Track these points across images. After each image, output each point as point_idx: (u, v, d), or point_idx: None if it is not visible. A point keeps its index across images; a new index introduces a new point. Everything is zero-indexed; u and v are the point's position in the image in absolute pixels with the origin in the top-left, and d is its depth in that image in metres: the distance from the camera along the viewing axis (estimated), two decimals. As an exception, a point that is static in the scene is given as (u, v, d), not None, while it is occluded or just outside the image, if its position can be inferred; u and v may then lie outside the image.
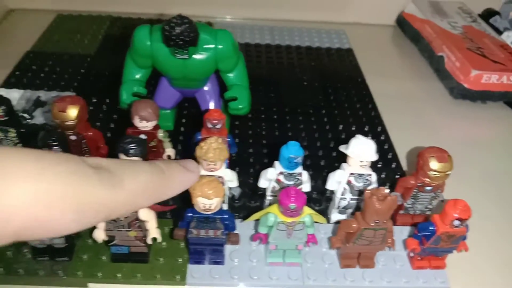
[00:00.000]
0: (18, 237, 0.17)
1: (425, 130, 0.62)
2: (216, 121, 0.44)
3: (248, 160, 0.53)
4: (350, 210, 0.45)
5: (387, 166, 0.54)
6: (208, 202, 0.36)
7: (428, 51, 0.76)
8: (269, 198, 0.44)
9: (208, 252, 0.41)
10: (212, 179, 0.36)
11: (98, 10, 0.79)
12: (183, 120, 0.58)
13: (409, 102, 0.68)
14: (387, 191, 0.37)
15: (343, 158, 0.54)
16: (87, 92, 0.59)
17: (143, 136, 0.45)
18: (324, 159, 0.53)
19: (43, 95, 0.55)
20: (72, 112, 0.42)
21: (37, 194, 0.17)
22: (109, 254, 0.41)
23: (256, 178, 0.50)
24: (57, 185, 0.18)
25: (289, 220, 0.38)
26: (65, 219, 0.18)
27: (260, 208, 0.47)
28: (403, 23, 0.84)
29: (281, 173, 0.42)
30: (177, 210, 0.44)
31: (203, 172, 0.41)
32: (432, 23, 0.77)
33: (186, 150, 0.52)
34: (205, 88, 0.53)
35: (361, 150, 0.42)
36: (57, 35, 0.72)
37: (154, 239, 0.39)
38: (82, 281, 0.40)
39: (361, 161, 0.42)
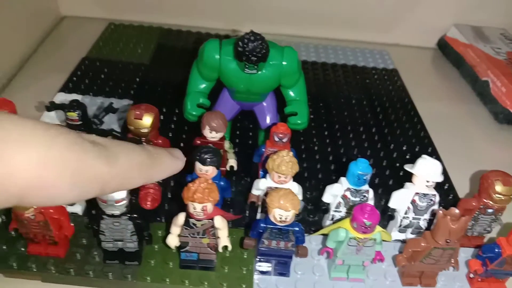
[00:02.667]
0: (20, 199, 0.18)
1: (471, 153, 0.63)
2: (283, 135, 0.45)
3: (302, 175, 0.54)
4: (410, 230, 0.46)
5: (439, 187, 0.54)
6: (284, 213, 0.37)
7: (471, 75, 0.77)
8: (332, 213, 0.45)
9: (275, 263, 0.42)
10: (289, 191, 0.37)
11: (149, 21, 0.81)
12: (237, 132, 0.59)
13: (454, 125, 0.68)
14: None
15: (396, 176, 0.55)
16: (143, 100, 0.60)
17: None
18: (377, 177, 0.54)
19: (115, 102, 0.56)
20: (147, 120, 0.43)
21: (40, 159, 0.18)
22: (177, 260, 0.42)
23: (311, 192, 0.51)
24: (59, 152, 0.19)
25: (361, 236, 0.39)
26: (64, 186, 0.19)
27: (318, 222, 0.48)
28: (445, 46, 0.85)
29: (348, 189, 0.43)
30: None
31: (272, 184, 0.43)
32: (475, 48, 0.78)
33: (244, 161, 0.53)
34: (264, 102, 0.54)
35: (428, 170, 0.43)
36: (111, 43, 0.74)
37: (225, 247, 0.40)
38: (150, 286, 0.41)
39: (427, 181, 0.43)
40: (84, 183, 0.20)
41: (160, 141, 0.46)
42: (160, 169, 0.27)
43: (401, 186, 0.51)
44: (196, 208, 0.37)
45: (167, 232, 0.40)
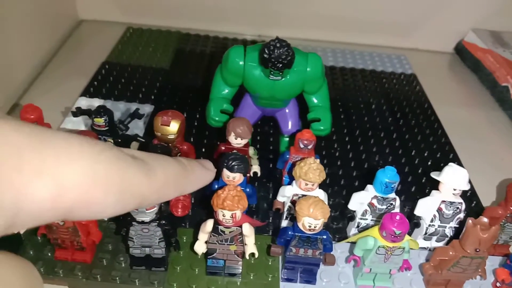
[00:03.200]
0: (66, 216, 0.18)
1: (492, 160, 0.62)
2: (308, 142, 0.45)
3: (325, 181, 0.53)
4: (435, 237, 0.46)
5: (463, 195, 0.54)
6: (314, 222, 0.37)
7: (490, 80, 0.76)
8: (358, 220, 0.45)
9: (301, 271, 0.42)
10: (318, 199, 0.37)
11: (166, 25, 0.82)
12: (258, 138, 0.59)
13: (474, 131, 0.68)
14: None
15: (418, 183, 0.54)
16: (164, 105, 0.60)
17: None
18: (400, 184, 0.54)
19: (136, 107, 0.56)
20: (174, 126, 0.44)
21: (88, 176, 0.18)
22: (203, 267, 0.42)
23: (334, 198, 0.51)
24: (105, 169, 0.19)
25: (390, 245, 0.38)
26: (108, 201, 0.19)
27: (342, 229, 0.48)
28: (462, 51, 0.84)
29: (375, 197, 0.43)
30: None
31: (299, 191, 0.43)
32: (494, 53, 0.77)
33: (265, 167, 0.53)
34: (287, 108, 0.54)
35: (455, 178, 0.42)
36: (130, 47, 0.74)
37: (252, 254, 0.40)
38: (177, 292, 0.41)
39: (454, 189, 0.43)
40: (126, 198, 0.20)
41: (185, 147, 0.46)
42: (193, 181, 0.27)
43: (423, 192, 0.51)
44: (225, 215, 0.37)
45: (193, 238, 0.40)
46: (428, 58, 0.85)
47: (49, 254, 0.42)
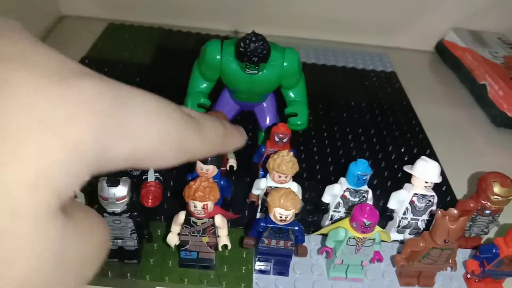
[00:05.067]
0: (134, 164, 0.19)
1: (469, 156, 0.63)
2: (283, 135, 0.46)
3: (302, 175, 0.54)
4: (408, 230, 0.46)
5: (437, 189, 0.55)
6: (285, 213, 0.37)
7: (469, 78, 0.77)
8: (331, 213, 0.45)
9: (274, 262, 0.42)
10: (289, 191, 0.38)
11: (149, 22, 0.81)
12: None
13: (452, 128, 0.69)
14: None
15: (394, 178, 0.55)
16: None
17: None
18: (376, 178, 0.54)
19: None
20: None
21: (160, 136, 0.19)
22: (176, 259, 0.42)
23: (310, 192, 0.51)
24: (173, 127, 0.20)
25: (361, 236, 0.39)
26: (168, 156, 0.21)
27: (318, 222, 0.48)
28: (443, 50, 0.86)
29: (347, 189, 0.43)
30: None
31: (273, 184, 0.43)
32: (473, 52, 0.78)
33: (243, 161, 0.53)
34: (264, 103, 0.54)
35: (427, 171, 0.43)
36: (111, 43, 0.74)
37: (225, 246, 0.40)
38: (150, 284, 0.41)
39: (426, 182, 0.43)
40: (182, 155, 0.22)
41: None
42: (231, 142, 0.29)
43: (399, 187, 0.52)
44: (197, 206, 0.37)
45: (167, 231, 0.40)
46: (409, 56, 0.86)
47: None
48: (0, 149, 0.14)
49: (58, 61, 0.17)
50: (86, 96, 0.16)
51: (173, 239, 0.40)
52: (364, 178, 0.42)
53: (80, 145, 0.16)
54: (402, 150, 0.60)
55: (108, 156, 0.17)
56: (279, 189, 0.38)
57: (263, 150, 0.47)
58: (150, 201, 0.38)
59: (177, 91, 0.63)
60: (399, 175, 0.56)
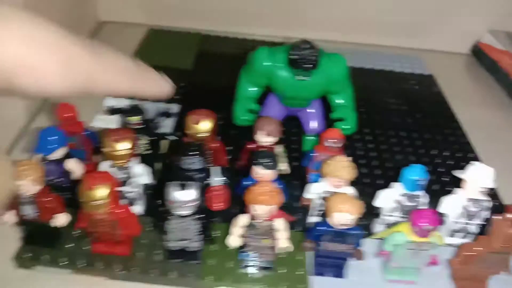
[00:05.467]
0: (11, 79, 0.19)
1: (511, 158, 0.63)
2: (336, 140, 0.47)
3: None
4: (460, 234, 0.47)
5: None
6: (347, 217, 0.38)
7: (506, 81, 0.77)
8: (385, 217, 0.46)
9: (330, 265, 0.43)
10: (350, 196, 0.39)
11: (186, 27, 0.83)
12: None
13: (492, 131, 0.68)
14: None
15: (440, 181, 0.56)
16: (191, 105, 0.62)
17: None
18: (422, 182, 0.55)
19: (163, 107, 0.58)
20: (207, 125, 0.45)
21: (26, 39, 0.19)
22: (235, 260, 0.43)
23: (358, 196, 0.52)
24: (45, 35, 0.20)
25: (420, 240, 0.40)
26: (52, 69, 0.20)
27: (367, 226, 0.49)
28: (479, 52, 0.85)
29: (403, 194, 0.44)
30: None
31: (328, 188, 0.44)
32: (511, 54, 0.78)
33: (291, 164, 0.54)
34: (311, 108, 0.55)
35: (481, 177, 0.44)
36: (153, 48, 0.76)
37: (284, 248, 0.41)
38: (210, 284, 0.42)
39: (480, 187, 0.44)
40: (72, 72, 0.20)
41: (215, 145, 0.48)
42: (147, 80, 0.28)
43: (444, 191, 0.53)
44: (260, 210, 0.38)
45: (225, 232, 0.42)
46: (444, 59, 0.86)
47: (87, 248, 0.43)
48: None
49: None
50: None
51: (234, 241, 0.41)
52: (421, 183, 0.43)
53: None
54: (446, 154, 0.60)
55: None
56: (340, 194, 0.39)
57: (313, 154, 0.48)
58: (217, 204, 0.40)
59: (219, 95, 0.66)
60: (444, 179, 0.56)
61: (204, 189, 0.41)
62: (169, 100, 0.63)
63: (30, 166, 0.38)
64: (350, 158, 0.43)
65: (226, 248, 0.44)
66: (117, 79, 0.24)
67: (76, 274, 0.42)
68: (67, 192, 0.45)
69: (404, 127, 0.64)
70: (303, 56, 0.46)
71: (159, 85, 0.29)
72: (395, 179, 0.48)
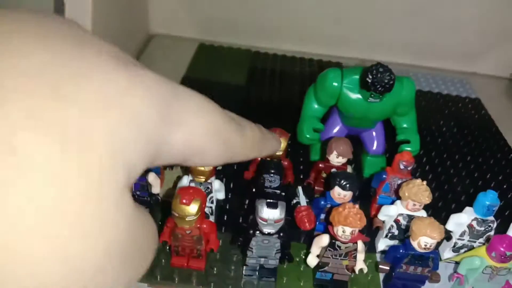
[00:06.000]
0: (185, 159, 0.20)
1: None
2: (408, 163, 0.47)
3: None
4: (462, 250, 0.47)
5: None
6: (430, 241, 0.39)
7: (552, 106, 0.78)
8: (455, 241, 0.46)
9: (404, 286, 0.44)
10: (433, 220, 0.39)
11: (237, 43, 0.85)
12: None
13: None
14: None
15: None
16: (251, 121, 0.63)
17: (333, 171, 0.49)
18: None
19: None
20: (283, 143, 0.46)
21: (209, 128, 0.20)
22: (308, 278, 0.44)
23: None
24: (220, 123, 0.21)
25: (498, 265, 0.40)
26: (217, 153, 0.22)
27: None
28: (521, 77, 0.87)
29: (475, 219, 0.45)
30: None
31: (404, 211, 0.45)
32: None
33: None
34: (374, 129, 0.56)
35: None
36: (205, 63, 0.78)
37: (361, 270, 0.42)
38: (285, 301, 0.43)
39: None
40: (227, 153, 0.23)
41: (286, 163, 0.49)
42: (268, 147, 0.30)
43: (503, 215, 0.54)
44: (345, 231, 0.39)
45: (297, 251, 0.43)
46: (487, 82, 0.87)
47: (164, 261, 0.44)
48: (85, 120, 0.15)
49: (114, 50, 0.18)
50: (148, 83, 0.17)
51: (313, 260, 0.42)
52: (493, 209, 0.44)
53: (147, 126, 0.17)
54: (500, 178, 0.61)
55: (166, 142, 0.18)
56: (424, 218, 0.40)
57: (384, 176, 0.49)
58: (307, 224, 0.40)
59: (274, 112, 0.67)
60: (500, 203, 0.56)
61: (289, 209, 0.42)
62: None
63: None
64: (425, 182, 0.43)
65: (301, 266, 0.45)
66: (251, 149, 0.26)
67: (152, 286, 0.43)
68: (144, 206, 0.46)
69: (458, 150, 0.65)
70: (379, 80, 0.47)
71: (275, 145, 0.32)
72: (458, 202, 0.49)
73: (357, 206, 0.40)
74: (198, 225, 0.40)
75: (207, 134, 0.21)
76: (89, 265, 0.15)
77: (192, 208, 0.37)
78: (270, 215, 0.38)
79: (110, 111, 0.15)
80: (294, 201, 0.43)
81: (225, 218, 0.49)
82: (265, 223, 0.38)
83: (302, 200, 0.43)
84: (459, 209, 0.46)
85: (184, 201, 0.37)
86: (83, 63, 0.16)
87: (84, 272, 0.15)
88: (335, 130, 0.57)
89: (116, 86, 0.16)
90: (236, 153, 0.24)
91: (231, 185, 0.53)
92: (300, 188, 0.44)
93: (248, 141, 0.25)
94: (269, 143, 0.30)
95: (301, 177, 0.55)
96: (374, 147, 0.56)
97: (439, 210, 0.53)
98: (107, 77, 0.16)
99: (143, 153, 0.17)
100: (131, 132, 0.16)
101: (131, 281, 0.17)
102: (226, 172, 0.53)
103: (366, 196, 0.53)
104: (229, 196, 0.51)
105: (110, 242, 0.15)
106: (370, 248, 0.48)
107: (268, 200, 0.38)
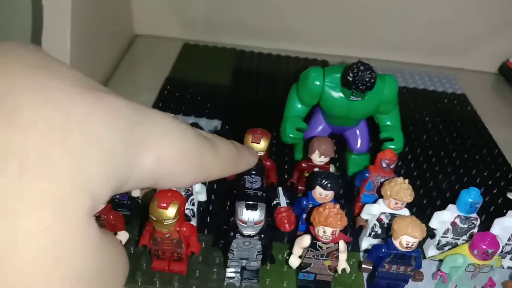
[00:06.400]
0: (155, 183, 0.20)
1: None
2: (390, 161, 0.47)
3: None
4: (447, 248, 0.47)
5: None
6: (412, 240, 0.38)
7: (537, 101, 0.78)
8: (439, 238, 0.46)
9: (389, 286, 0.43)
10: (415, 218, 0.39)
11: (220, 42, 0.84)
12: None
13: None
14: None
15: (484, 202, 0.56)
16: (232, 121, 0.63)
17: (316, 170, 0.48)
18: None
19: (205, 122, 0.59)
20: (264, 143, 0.46)
21: (179, 151, 0.21)
22: (291, 279, 0.44)
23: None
24: (190, 145, 0.21)
25: (480, 262, 0.40)
26: (189, 174, 0.22)
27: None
28: (507, 71, 0.86)
29: (458, 216, 0.44)
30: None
31: (386, 210, 0.44)
32: (541, 74, 0.79)
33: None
34: (357, 127, 0.56)
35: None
36: (189, 63, 0.77)
37: (343, 269, 0.42)
38: (268, 303, 0.42)
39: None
40: (201, 173, 0.23)
41: (268, 163, 0.48)
42: (244, 163, 0.31)
43: (488, 212, 0.54)
44: (326, 232, 0.38)
45: (278, 251, 0.42)
46: (473, 78, 0.87)
47: (145, 265, 0.44)
48: (45, 147, 0.14)
49: (80, 75, 0.18)
50: (114, 106, 0.17)
51: (295, 261, 0.41)
52: (476, 206, 0.43)
53: (113, 151, 0.16)
54: (485, 174, 0.61)
55: (135, 166, 0.18)
56: (405, 217, 0.39)
57: (367, 175, 0.49)
58: (287, 225, 0.40)
59: (259, 112, 0.66)
60: (486, 199, 0.56)
61: (270, 210, 0.42)
62: (210, 116, 0.64)
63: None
64: (407, 180, 0.43)
65: (284, 267, 0.44)
66: (227, 167, 0.27)
67: (134, 291, 0.43)
68: (125, 210, 0.46)
69: (443, 146, 0.65)
70: (360, 78, 0.47)
71: (250, 160, 0.32)
72: (443, 200, 0.49)
73: (338, 206, 0.39)
74: (178, 229, 0.40)
75: (176, 156, 0.20)
76: None
77: (170, 212, 0.37)
78: (250, 217, 0.37)
79: (72, 136, 0.15)
80: (274, 202, 0.42)
81: (207, 220, 0.49)
82: (244, 225, 0.38)
83: (282, 201, 0.42)
84: (444, 206, 0.46)
85: (162, 204, 0.37)
86: (45, 89, 0.16)
87: None
88: (319, 129, 0.56)
89: (79, 111, 0.16)
90: (212, 173, 0.24)
91: (215, 186, 0.52)
92: (280, 189, 0.44)
93: (223, 160, 0.25)
94: (245, 159, 0.31)
95: (286, 177, 0.55)
96: (358, 146, 0.56)
97: (424, 208, 0.53)
98: (69, 102, 0.16)
99: (109, 178, 0.16)
100: (94, 157, 0.16)
101: None
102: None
103: (351, 195, 0.53)
104: (212, 198, 0.51)
105: (75, 272, 0.15)
106: (354, 247, 0.48)
107: (247, 202, 0.38)
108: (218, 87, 0.71)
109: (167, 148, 0.20)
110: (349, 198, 0.53)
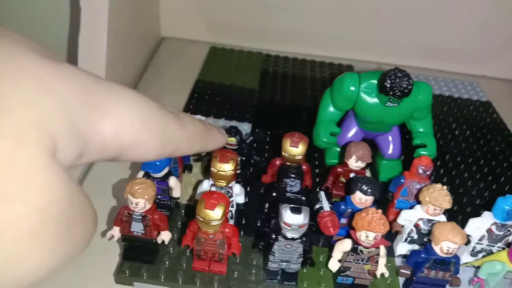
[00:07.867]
0: (119, 153, 0.20)
1: None
2: (427, 168, 0.48)
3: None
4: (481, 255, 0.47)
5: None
6: (453, 246, 0.39)
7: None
8: (474, 245, 0.47)
9: (424, 291, 0.44)
10: (455, 224, 0.40)
11: (248, 46, 0.85)
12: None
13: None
14: None
15: None
16: (264, 124, 0.63)
17: (352, 175, 0.49)
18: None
19: (237, 125, 0.60)
20: (302, 147, 0.46)
21: (140, 119, 0.21)
22: (328, 282, 0.44)
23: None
24: (151, 114, 0.21)
25: (519, 270, 0.41)
26: (153, 144, 0.22)
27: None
28: (531, 80, 0.87)
29: (494, 223, 0.45)
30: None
31: (424, 216, 0.45)
32: None
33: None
34: (390, 133, 0.56)
35: None
36: (217, 66, 0.78)
37: (382, 274, 0.42)
38: (307, 306, 0.43)
39: None
40: (167, 144, 0.23)
41: (304, 167, 0.49)
42: (213, 141, 0.31)
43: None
44: (369, 236, 0.39)
45: (317, 255, 0.43)
46: (497, 85, 0.87)
47: (185, 265, 0.44)
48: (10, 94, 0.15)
49: (34, 45, 0.18)
50: (68, 69, 0.18)
51: (335, 264, 0.42)
52: (512, 213, 0.44)
53: (70, 104, 0.17)
54: (514, 181, 0.61)
55: (95, 130, 0.18)
56: (446, 222, 0.40)
57: (402, 181, 0.49)
58: (331, 229, 0.41)
59: (288, 114, 0.67)
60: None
61: (313, 213, 0.43)
62: (240, 119, 0.65)
63: (147, 184, 0.40)
64: (446, 187, 0.44)
65: (321, 270, 0.45)
66: (194, 142, 0.27)
67: (174, 290, 0.44)
68: (165, 210, 0.47)
69: (471, 153, 0.65)
70: (398, 84, 0.47)
71: (219, 139, 0.32)
72: (473, 206, 0.49)
73: (380, 211, 0.40)
74: (222, 230, 0.40)
75: (138, 124, 0.20)
76: (19, 228, 0.14)
77: (217, 213, 0.38)
78: (294, 220, 0.38)
79: (26, 83, 0.15)
80: (317, 206, 0.43)
81: (243, 222, 0.50)
82: (289, 228, 0.39)
83: (325, 205, 0.43)
84: (475, 213, 0.47)
85: (209, 206, 0.37)
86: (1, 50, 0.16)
87: (16, 236, 0.14)
88: (351, 133, 0.57)
89: (33, 66, 0.16)
90: (178, 145, 0.24)
91: (248, 189, 0.53)
92: (322, 193, 0.44)
93: (189, 134, 0.25)
94: (213, 137, 0.31)
95: (317, 180, 0.56)
96: (390, 151, 0.57)
97: (455, 214, 0.54)
98: (24, 61, 0.16)
99: (67, 128, 0.16)
100: (50, 104, 0.16)
101: (66, 256, 0.16)
102: (243, 176, 0.53)
103: (382, 200, 0.53)
104: (247, 200, 0.52)
105: (40, 207, 0.15)
106: (389, 252, 0.48)
107: (292, 205, 0.38)
108: (246, 91, 0.72)
109: (127, 115, 0.20)
110: (381, 203, 0.53)
